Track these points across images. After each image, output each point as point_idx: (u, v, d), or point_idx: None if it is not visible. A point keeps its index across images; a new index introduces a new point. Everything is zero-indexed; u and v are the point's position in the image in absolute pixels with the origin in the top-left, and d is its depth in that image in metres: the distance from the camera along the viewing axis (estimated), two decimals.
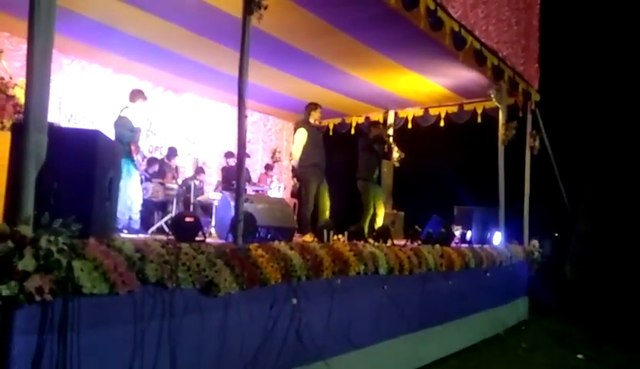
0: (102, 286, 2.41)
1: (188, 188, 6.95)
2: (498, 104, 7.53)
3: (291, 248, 3.65)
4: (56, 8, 2.42)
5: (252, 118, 10.81)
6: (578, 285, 10.10)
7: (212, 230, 5.86)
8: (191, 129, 9.63)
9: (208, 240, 4.19)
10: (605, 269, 10.29)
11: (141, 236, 5.17)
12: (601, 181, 10.44)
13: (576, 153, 10.07)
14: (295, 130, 6.56)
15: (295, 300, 3.47)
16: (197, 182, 7.60)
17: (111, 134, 7.75)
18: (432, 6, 5.37)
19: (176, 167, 8.47)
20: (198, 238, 3.26)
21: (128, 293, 2.54)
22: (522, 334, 6.96)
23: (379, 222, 6.94)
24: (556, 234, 11.32)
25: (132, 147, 5.74)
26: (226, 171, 8.50)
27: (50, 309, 2.20)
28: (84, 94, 7.91)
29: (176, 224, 3.31)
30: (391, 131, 9.87)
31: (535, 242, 8.33)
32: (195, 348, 2.89)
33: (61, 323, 2.24)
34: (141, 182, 6.43)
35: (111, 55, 7.57)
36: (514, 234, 8.34)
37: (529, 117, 8.42)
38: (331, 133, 10.63)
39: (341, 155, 7.38)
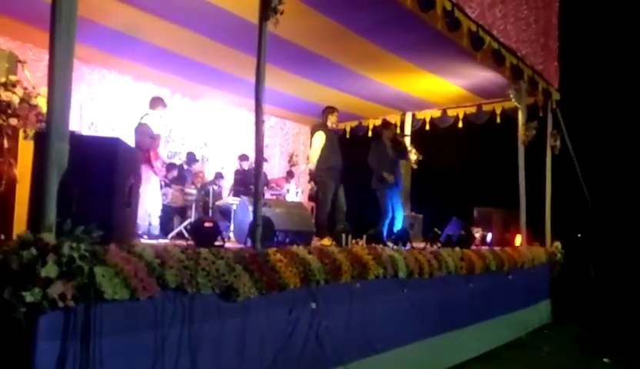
0: (123, 292, 2.44)
1: (207, 193, 7.01)
2: (517, 104, 7.43)
3: (310, 252, 3.64)
4: (77, 19, 2.46)
5: (269, 122, 10.87)
6: (602, 287, 9.89)
7: (231, 234, 5.89)
8: (209, 135, 9.71)
9: (227, 245, 4.22)
10: (628, 270, 10.06)
11: (161, 241, 5.22)
12: (623, 180, 10.23)
13: (598, 152, 9.86)
14: (312, 133, 6.57)
15: (314, 305, 3.46)
16: (216, 187, 7.66)
17: (130, 140, 7.93)
18: (449, 7, 5.33)
19: (196, 173, 8.55)
20: (217, 243, 3.27)
21: (148, 298, 2.56)
22: (545, 337, 6.83)
23: (398, 225, 6.88)
24: (579, 235, 11.12)
25: (152, 154, 5.80)
26: (240, 174, 8.49)
27: (73, 315, 2.22)
28: (104, 101, 8.04)
29: (195, 229, 3.34)
30: (408, 131, 9.83)
31: (558, 244, 8.19)
32: (215, 353, 2.90)
33: (83, 329, 2.26)
34: (161, 188, 6.51)
35: (130, 63, 7.68)
36: (536, 235, 8.21)
37: (550, 116, 8.27)
38: (348, 135, 10.62)
39: (358, 158, 7.34)
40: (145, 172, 5.73)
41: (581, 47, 9.88)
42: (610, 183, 10.19)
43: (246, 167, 8.20)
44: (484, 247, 6.70)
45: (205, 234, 3.19)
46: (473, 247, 6.36)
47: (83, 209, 2.71)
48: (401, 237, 5.26)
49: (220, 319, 2.93)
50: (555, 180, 8.46)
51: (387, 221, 6.84)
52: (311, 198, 11.11)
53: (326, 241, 5.41)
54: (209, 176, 8.78)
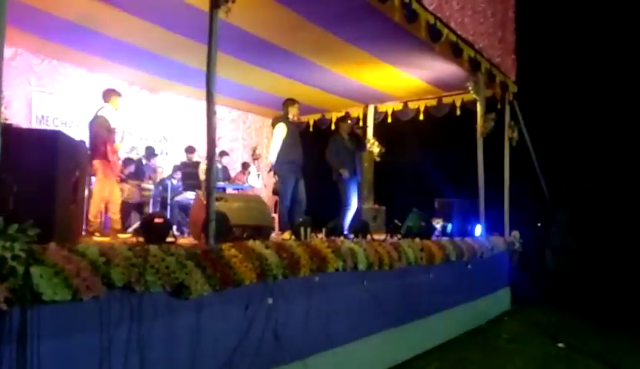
0: (64, 292, 2.32)
1: (165, 188, 6.83)
2: (475, 97, 7.54)
3: (267, 247, 3.58)
4: (6, 7, 2.29)
5: (231, 115, 10.72)
6: (559, 274, 10.23)
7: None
8: (168, 128, 9.48)
9: (183, 241, 4.12)
10: (585, 257, 10.43)
11: (117, 238, 5.06)
12: (579, 170, 10.56)
13: (555, 143, 10.14)
14: (274, 125, 6.50)
15: (270, 300, 3.40)
16: (175, 182, 7.47)
17: (86, 135, 7.65)
18: None
19: (155, 168, 8.34)
20: (169, 240, 3.17)
21: (93, 298, 2.45)
22: (504, 324, 7.00)
23: (350, 217, 6.91)
24: (539, 224, 11.44)
25: (109, 148, 5.58)
26: (188, 168, 8.07)
27: (8, 318, 2.10)
28: (56, 94, 7.72)
29: (145, 226, 3.22)
30: (371, 124, 9.86)
31: (516, 233, 8.39)
32: (166, 353, 2.81)
33: (20, 333, 2.14)
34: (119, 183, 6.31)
35: (84, 54, 7.39)
36: (495, 225, 8.39)
37: (507, 108, 8.44)
38: (311, 129, 10.57)
39: (321, 151, 7.30)
40: (102, 167, 5.54)
41: (537, 40, 10.10)
42: (567, 173, 10.49)
43: (194, 160, 7.98)
44: (444, 238, 6.79)
45: (155, 231, 3.08)
46: (434, 238, 6.44)
47: (22, 206, 2.59)
48: (361, 229, 5.25)
49: (171, 318, 2.85)
50: (514, 171, 8.66)
51: (348, 213, 6.81)
52: (275, 192, 11.02)
53: (286, 235, 5.37)
54: (169, 171, 8.57)
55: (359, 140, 7.19)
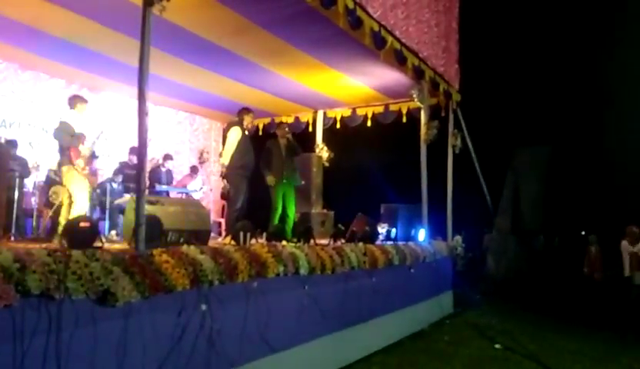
0: None
1: (104, 192, 6.56)
2: (420, 104, 7.70)
3: (202, 252, 3.49)
4: None
5: (178, 117, 10.48)
6: (500, 278, 10.61)
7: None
8: (110, 129, 9.11)
9: (118, 246, 3.95)
10: (524, 262, 10.87)
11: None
12: (519, 176, 11.01)
13: (497, 150, 10.54)
14: (228, 129, 6.48)
15: (204, 307, 3.32)
16: (115, 185, 7.19)
17: (40, 140, 7.24)
18: (351, 5, 5.39)
19: (95, 170, 7.99)
20: (96, 245, 3.03)
21: (5, 307, 2.30)
22: (446, 327, 7.16)
23: (290, 222, 6.91)
24: (485, 230, 11.83)
25: (72, 153, 5.41)
26: (129, 169, 7.66)
27: None
28: None
29: (69, 231, 3.06)
30: (320, 129, 9.89)
31: (458, 238, 8.62)
32: (90, 363, 2.68)
33: None
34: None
35: (19, 50, 7.00)
36: (439, 230, 8.60)
37: (451, 116, 8.68)
38: (260, 133, 10.47)
39: None
40: (71, 172, 5.37)
41: (480, 50, 10.49)
42: (508, 179, 10.93)
43: (135, 162, 7.71)
44: (388, 242, 6.88)
45: (80, 236, 2.93)
46: (378, 243, 6.51)
47: None
48: (304, 234, 5.24)
49: (95, 326, 2.72)
50: (457, 177, 8.91)
51: (276, 217, 6.80)
52: (223, 196, 10.84)
53: (228, 240, 5.27)
54: (109, 173, 8.24)
55: (294, 146, 7.20)
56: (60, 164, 5.35)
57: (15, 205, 5.82)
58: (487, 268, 11.07)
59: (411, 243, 7.07)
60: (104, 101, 8.98)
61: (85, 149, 5.43)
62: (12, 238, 5.50)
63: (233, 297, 3.68)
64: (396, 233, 7.51)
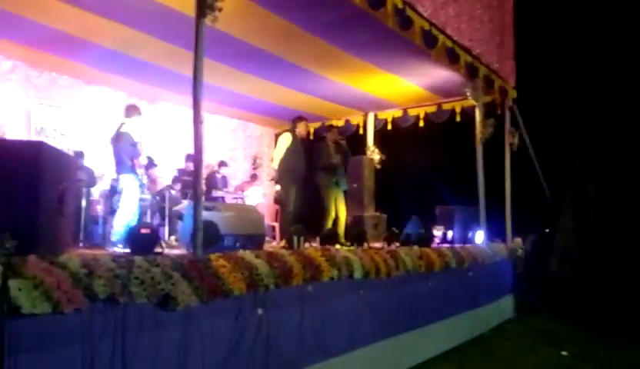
0: (44, 305, 2.29)
1: (163, 198, 6.81)
2: (474, 103, 7.49)
3: (257, 256, 3.54)
4: None
5: (231, 124, 10.72)
6: (564, 281, 10.09)
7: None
8: (168, 138, 9.47)
9: (174, 251, 4.08)
10: (590, 263, 10.28)
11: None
12: (583, 174, 10.45)
13: (557, 147, 10.06)
14: (279, 135, 6.59)
15: (260, 311, 3.35)
16: (173, 192, 7.45)
17: (96, 148, 7.66)
18: (400, 5, 5.32)
19: (155, 178, 8.32)
20: (156, 250, 3.13)
21: (75, 311, 2.42)
22: (507, 333, 6.89)
23: (341, 225, 6.91)
24: (547, 230, 11.30)
25: (135, 162, 5.71)
26: (184, 176, 8.08)
27: None
28: (54, 106, 7.74)
29: (131, 237, 3.19)
30: (371, 132, 9.82)
31: (518, 240, 8.29)
32: (152, 365, 2.76)
33: None
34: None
35: (81, 66, 7.41)
36: (497, 232, 8.30)
37: (507, 114, 8.39)
38: (312, 137, 10.52)
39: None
40: (131, 181, 5.63)
41: (537, 45, 10.07)
42: (569, 178, 10.39)
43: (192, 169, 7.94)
44: (444, 245, 6.72)
45: (141, 242, 3.04)
46: (434, 245, 6.37)
47: (4, 218, 2.56)
48: (358, 237, 5.20)
49: (157, 330, 2.80)
50: (515, 177, 8.57)
51: (330, 221, 6.85)
52: (276, 201, 10.99)
53: (282, 244, 5.31)
54: (168, 181, 8.55)
55: (344, 150, 7.23)
56: (119, 173, 5.56)
57: (83, 213, 6.15)
58: (550, 270, 10.56)
59: (468, 245, 6.87)
60: (162, 111, 9.34)
61: (143, 158, 5.65)
62: (81, 245, 5.82)
63: (288, 301, 3.70)
64: (452, 235, 7.33)
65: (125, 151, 5.55)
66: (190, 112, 8.82)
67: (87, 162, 7.33)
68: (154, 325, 2.77)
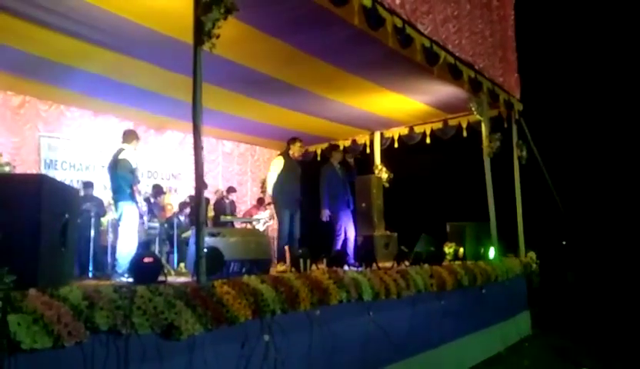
0: (44, 340, 2.27)
1: (171, 226, 6.81)
2: (479, 117, 7.45)
3: (263, 281, 3.49)
4: None
5: (239, 149, 10.79)
6: (581, 294, 9.86)
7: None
8: (176, 166, 9.55)
9: (181, 279, 4.05)
10: (607, 275, 10.05)
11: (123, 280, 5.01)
12: (593, 185, 10.30)
13: (567, 158, 9.95)
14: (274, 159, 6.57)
15: (267, 337, 3.30)
16: (182, 218, 7.46)
17: (94, 176, 7.73)
18: (400, 24, 5.33)
19: (164, 205, 8.35)
20: (160, 279, 3.11)
21: (76, 344, 2.39)
22: (525, 350, 6.70)
23: (351, 246, 6.86)
24: (564, 243, 11.10)
25: (135, 189, 5.63)
26: (193, 202, 8.30)
27: None
28: (63, 138, 7.85)
29: (134, 267, 3.17)
30: (378, 150, 9.81)
31: (532, 254, 8.14)
32: None
33: None
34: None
35: (89, 97, 7.53)
36: (510, 246, 8.16)
37: (514, 127, 8.33)
38: (319, 158, 10.53)
39: None
40: (130, 209, 5.56)
41: (541, 56, 10.05)
42: (580, 189, 10.25)
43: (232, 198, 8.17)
44: (456, 262, 6.61)
45: (144, 271, 3.02)
46: (445, 263, 6.27)
47: (6, 253, 2.55)
48: (366, 258, 5.14)
49: (161, 360, 2.77)
50: (526, 190, 8.47)
51: (338, 242, 6.80)
52: None
53: (279, 267, 5.26)
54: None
55: (351, 169, 7.23)
56: (117, 201, 5.49)
57: (92, 244, 6.16)
58: (567, 284, 10.35)
59: (480, 262, 6.75)
60: (169, 139, 9.43)
61: (141, 185, 5.59)
62: (91, 275, 5.82)
63: (296, 326, 3.64)
64: (464, 252, 7.21)
65: (123, 178, 5.47)
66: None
67: (96, 192, 7.41)
68: (157, 355, 2.73)
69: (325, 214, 6.74)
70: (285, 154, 6.49)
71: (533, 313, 7.98)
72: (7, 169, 5.91)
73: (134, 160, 5.74)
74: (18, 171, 6.50)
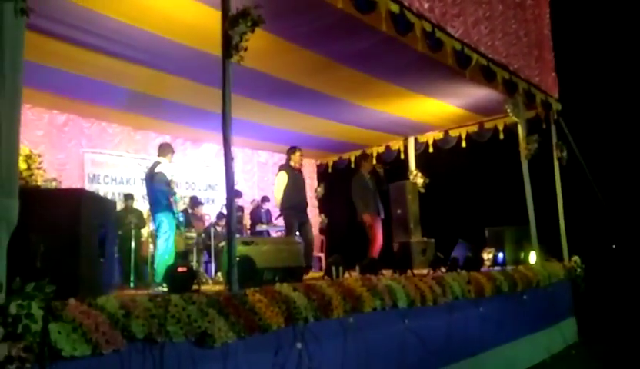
0: (83, 348, 2.36)
1: (208, 235, 6.95)
2: (516, 119, 7.27)
3: (295, 289, 3.51)
4: (22, 67, 2.41)
5: (274, 158, 10.89)
6: (631, 300, 9.40)
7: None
8: (212, 177, 9.74)
9: (215, 288, 4.13)
10: None
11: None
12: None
13: (611, 157, 9.55)
14: (279, 172, 6.71)
15: (299, 345, 3.31)
16: (219, 228, 7.60)
17: (135, 189, 7.99)
18: (429, 28, 5.28)
19: (201, 216, 8.53)
20: (193, 288, 3.18)
21: (113, 352, 2.47)
22: (571, 359, 6.45)
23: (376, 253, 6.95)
24: (614, 246, 10.63)
25: (171, 200, 5.82)
26: (253, 214, 8.72)
27: None
28: (106, 154, 8.16)
29: (169, 276, 3.26)
30: (412, 156, 9.72)
31: (576, 258, 7.83)
32: None
33: None
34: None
35: (129, 114, 7.81)
36: (553, 251, 7.89)
37: (553, 127, 8.08)
38: (352, 165, 10.52)
39: None
40: (167, 220, 5.73)
41: (581, 55, 9.71)
42: (625, 189, 9.79)
43: (266, 207, 8.70)
44: (496, 268, 6.45)
45: (178, 280, 3.10)
46: (484, 269, 6.13)
47: (48, 264, 2.67)
48: (401, 264, 5.08)
49: (195, 367, 2.81)
50: (567, 192, 8.18)
51: (374, 249, 6.89)
52: (322, 231, 10.99)
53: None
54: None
55: (380, 178, 7.30)
56: (155, 212, 5.64)
57: (133, 254, 6.37)
58: (615, 290, 9.88)
59: (521, 267, 6.56)
60: (205, 151, 9.65)
61: (177, 197, 5.74)
62: (132, 285, 6.00)
63: (329, 334, 3.64)
64: (504, 257, 7.03)
65: (159, 191, 5.64)
66: (234, 150, 9.14)
67: (136, 205, 7.65)
68: (192, 363, 2.79)
69: (367, 218, 6.89)
70: (287, 166, 6.61)
71: (579, 319, 7.66)
72: (53, 184, 6.19)
73: (169, 172, 5.91)
74: (64, 186, 6.78)
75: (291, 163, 6.62)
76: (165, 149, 6.12)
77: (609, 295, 9.37)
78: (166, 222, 5.69)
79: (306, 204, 6.53)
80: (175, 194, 6.02)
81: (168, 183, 5.84)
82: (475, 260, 6.02)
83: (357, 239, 7.00)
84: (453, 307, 4.94)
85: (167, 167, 5.92)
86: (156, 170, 5.84)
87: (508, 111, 7.17)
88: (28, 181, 3.38)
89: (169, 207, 5.81)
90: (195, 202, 8.33)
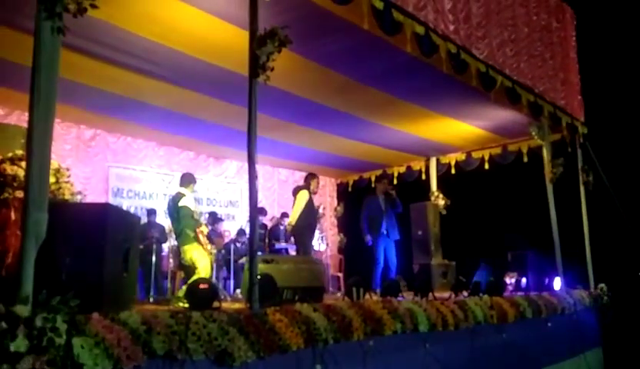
0: (105, 363, 2.35)
1: (228, 252, 6.97)
2: (540, 141, 7.17)
3: (315, 310, 3.48)
4: (56, 83, 2.47)
5: (294, 176, 10.92)
6: None
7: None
8: (233, 193, 9.80)
9: (234, 305, 4.11)
10: None
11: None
12: None
13: (638, 182, 9.31)
14: (296, 192, 6.77)
15: (319, 367, 3.26)
16: (239, 245, 7.61)
17: (157, 204, 8.06)
18: (454, 50, 5.29)
19: (222, 232, 8.57)
20: (214, 305, 3.17)
21: (134, 368, 2.47)
22: None
23: (392, 275, 6.91)
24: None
25: (199, 232, 5.66)
26: (271, 231, 8.69)
27: None
28: (130, 168, 8.29)
29: (190, 293, 3.26)
30: (434, 177, 9.65)
31: (603, 286, 7.61)
32: None
33: None
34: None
35: (153, 130, 7.95)
36: (578, 278, 7.69)
37: (579, 151, 7.94)
38: (373, 185, 10.48)
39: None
40: (198, 252, 5.50)
41: (607, 78, 9.57)
42: None
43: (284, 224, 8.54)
44: (519, 293, 6.30)
45: (200, 297, 3.10)
46: (507, 294, 6.00)
47: (73, 277, 2.70)
48: (422, 288, 5.00)
49: None
50: (594, 217, 8.00)
51: (378, 270, 6.96)
52: (340, 251, 10.93)
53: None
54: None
55: (393, 199, 7.34)
56: (181, 244, 5.52)
57: (154, 268, 6.40)
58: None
59: (545, 293, 6.40)
60: (227, 168, 9.74)
61: (204, 227, 5.74)
62: (152, 300, 6.02)
63: (349, 356, 3.59)
64: (527, 282, 6.87)
65: (187, 225, 5.49)
66: (257, 167, 9.16)
67: (159, 219, 7.73)
68: None
69: (367, 239, 7.04)
70: (307, 188, 6.75)
71: (606, 350, 7.41)
72: (78, 198, 6.29)
73: (193, 204, 5.79)
74: (88, 199, 6.86)
75: (311, 188, 6.78)
76: (187, 180, 5.95)
77: (637, 325, 9.06)
78: (198, 254, 5.46)
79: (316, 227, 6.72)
80: (201, 224, 5.97)
81: (193, 215, 5.74)
82: (498, 285, 5.89)
83: (364, 261, 7.07)
84: (475, 332, 4.83)
85: (191, 200, 5.79)
86: (180, 204, 5.64)
87: (533, 133, 7.09)
88: (55, 195, 3.43)
89: (197, 239, 5.66)
90: (215, 218, 8.36)
